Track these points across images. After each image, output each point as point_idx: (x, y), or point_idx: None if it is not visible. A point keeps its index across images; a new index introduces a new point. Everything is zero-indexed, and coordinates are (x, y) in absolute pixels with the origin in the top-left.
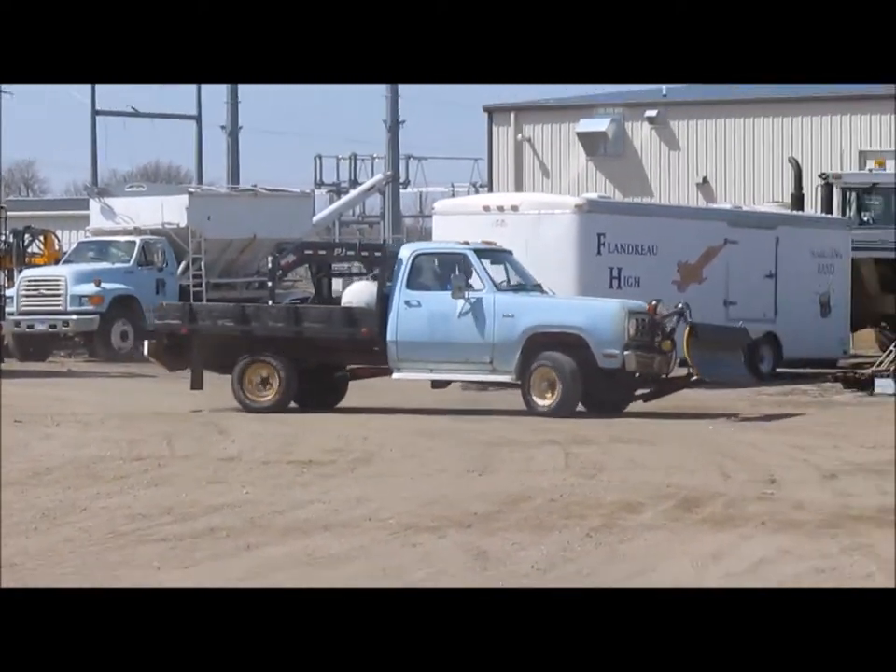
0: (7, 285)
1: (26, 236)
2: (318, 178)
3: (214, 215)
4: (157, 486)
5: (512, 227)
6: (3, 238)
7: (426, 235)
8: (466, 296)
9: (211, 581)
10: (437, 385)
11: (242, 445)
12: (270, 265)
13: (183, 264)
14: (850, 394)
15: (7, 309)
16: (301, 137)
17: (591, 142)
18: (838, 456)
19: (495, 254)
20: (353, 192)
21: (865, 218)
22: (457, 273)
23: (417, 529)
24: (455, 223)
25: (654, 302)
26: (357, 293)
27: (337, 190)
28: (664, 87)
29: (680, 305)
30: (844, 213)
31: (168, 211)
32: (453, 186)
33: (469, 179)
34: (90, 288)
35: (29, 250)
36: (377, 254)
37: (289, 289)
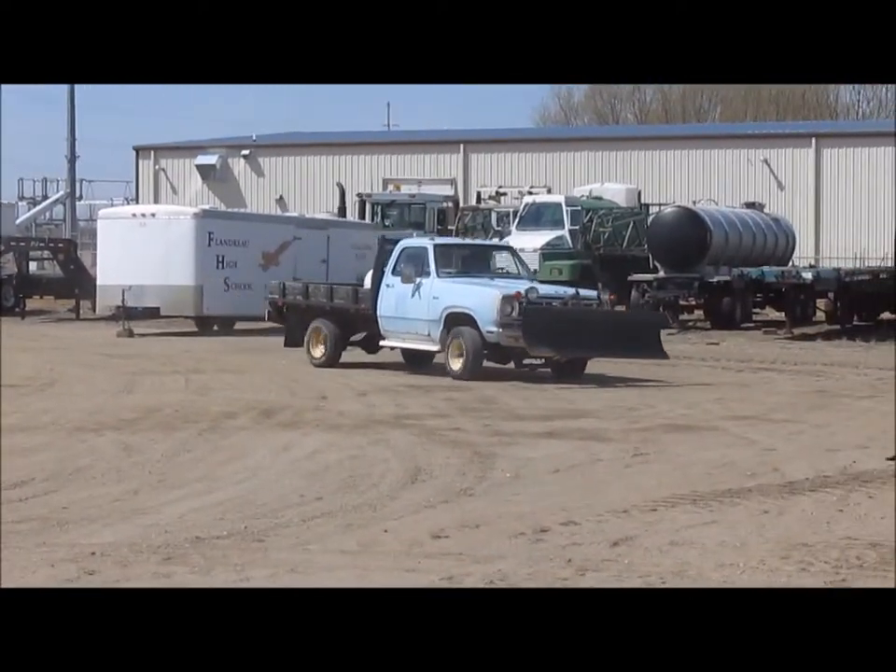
0: None
1: None
2: (20, 193)
3: None
4: None
5: (151, 228)
6: None
7: (94, 234)
8: (415, 281)
9: None
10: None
11: None
12: None
13: None
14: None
15: None
16: (8, 163)
17: (205, 171)
18: (367, 381)
19: (474, 248)
20: (43, 203)
21: (387, 223)
22: (418, 262)
23: (84, 430)
24: (113, 226)
25: (523, 290)
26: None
27: (33, 202)
28: (254, 133)
29: (558, 292)
30: (373, 219)
31: None
32: (112, 200)
33: (124, 195)
34: None
35: None
36: (60, 245)
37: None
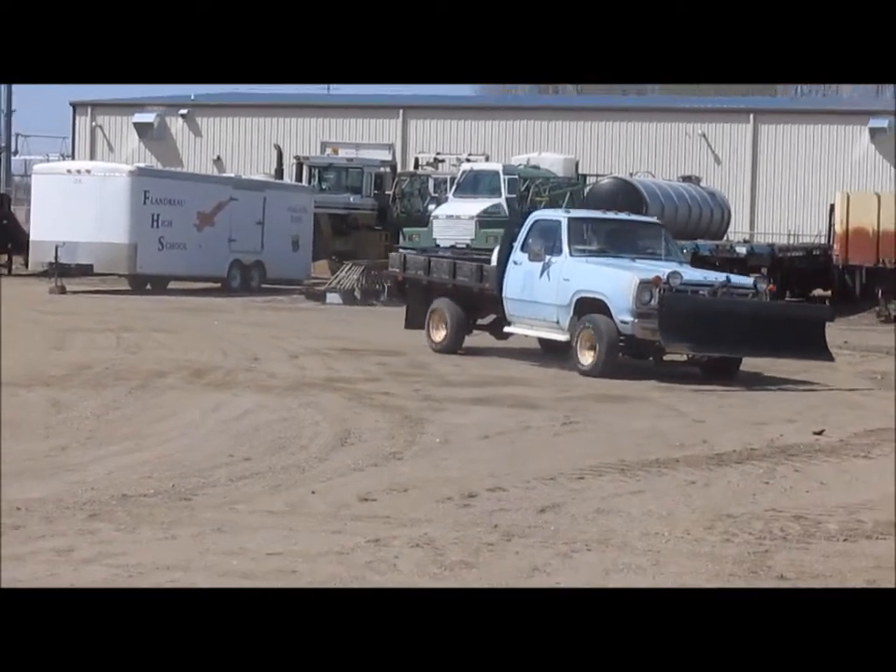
0: None
1: None
2: None
3: None
4: None
5: (87, 185)
6: None
7: (28, 190)
8: (545, 259)
9: None
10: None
11: None
12: None
13: None
14: (310, 303)
15: None
16: None
17: (142, 129)
18: (300, 344)
19: (616, 223)
20: None
21: (324, 187)
22: (550, 238)
23: (15, 385)
24: (48, 181)
25: (664, 274)
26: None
27: None
28: (192, 92)
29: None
30: (310, 182)
31: None
32: (47, 155)
33: (60, 151)
34: None
35: None
36: None
37: None
